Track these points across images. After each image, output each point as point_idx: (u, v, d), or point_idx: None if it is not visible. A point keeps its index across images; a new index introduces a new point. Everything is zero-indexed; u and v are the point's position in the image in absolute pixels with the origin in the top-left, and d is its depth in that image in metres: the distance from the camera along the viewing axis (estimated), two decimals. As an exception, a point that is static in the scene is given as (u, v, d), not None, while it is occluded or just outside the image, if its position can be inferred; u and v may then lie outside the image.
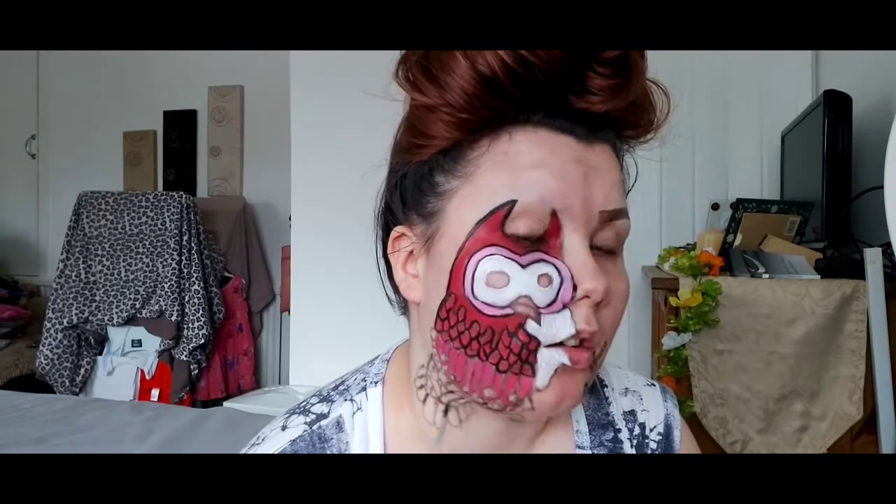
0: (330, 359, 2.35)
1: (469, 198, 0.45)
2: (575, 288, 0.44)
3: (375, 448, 0.51)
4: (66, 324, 2.95)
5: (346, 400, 0.53)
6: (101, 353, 3.07)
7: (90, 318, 2.99)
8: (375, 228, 0.55)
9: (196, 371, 3.05)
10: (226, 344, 3.27)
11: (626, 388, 0.60)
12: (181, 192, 3.07)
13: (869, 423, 1.34)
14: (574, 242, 0.45)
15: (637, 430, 0.58)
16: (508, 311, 0.44)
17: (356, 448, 0.51)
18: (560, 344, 0.44)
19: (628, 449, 0.57)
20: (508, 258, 0.44)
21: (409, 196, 0.49)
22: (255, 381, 3.40)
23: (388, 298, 0.55)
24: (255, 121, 3.57)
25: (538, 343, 0.44)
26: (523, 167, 0.44)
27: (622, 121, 0.47)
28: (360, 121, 2.30)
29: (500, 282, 0.43)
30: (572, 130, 0.45)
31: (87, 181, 3.47)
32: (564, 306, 0.44)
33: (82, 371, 3.02)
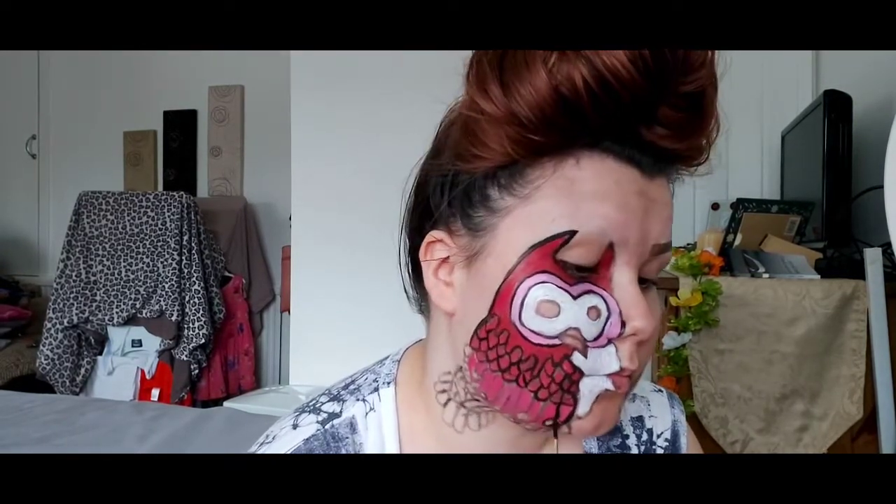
0: (330, 359, 2.35)
1: (524, 220, 0.43)
2: (623, 324, 0.43)
3: (391, 449, 0.51)
4: (66, 324, 2.95)
5: (357, 400, 0.53)
6: (101, 353, 3.07)
7: (90, 317, 2.99)
8: (402, 225, 0.53)
9: (196, 371, 3.05)
10: (226, 344, 3.27)
11: (634, 394, 0.60)
12: (182, 192, 3.08)
13: (869, 422, 1.34)
14: (624, 276, 0.44)
15: (644, 436, 0.58)
16: (556, 342, 0.42)
17: (370, 449, 0.50)
18: None
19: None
20: (561, 287, 0.42)
21: (455, 203, 0.47)
22: (255, 381, 3.40)
23: (408, 296, 0.54)
24: (255, 121, 3.58)
25: (581, 374, 0.43)
26: (586, 196, 0.42)
27: (684, 155, 0.45)
28: (361, 121, 2.30)
29: (551, 311, 0.42)
30: (638, 162, 0.43)
31: (88, 181, 3.47)
32: (609, 341, 0.43)
33: (82, 371, 3.02)
